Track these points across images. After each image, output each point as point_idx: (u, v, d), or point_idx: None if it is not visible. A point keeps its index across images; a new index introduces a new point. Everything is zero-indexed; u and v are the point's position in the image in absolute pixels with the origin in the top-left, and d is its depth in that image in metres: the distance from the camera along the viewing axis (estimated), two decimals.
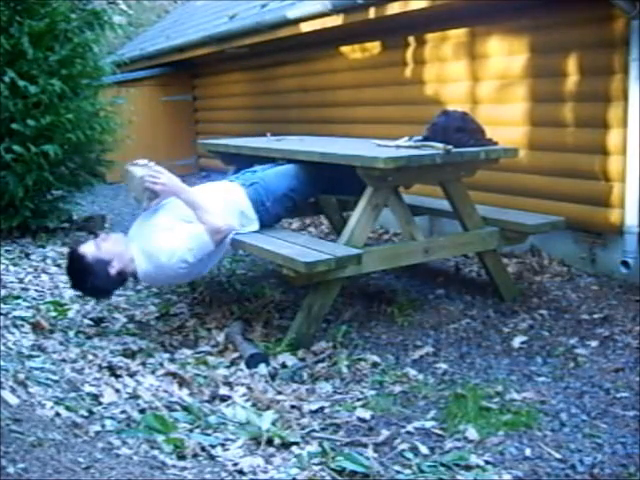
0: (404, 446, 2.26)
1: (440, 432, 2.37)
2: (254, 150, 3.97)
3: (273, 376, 2.83)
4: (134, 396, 2.43)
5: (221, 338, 3.20)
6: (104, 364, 2.70)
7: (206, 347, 3.15)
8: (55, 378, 2.44)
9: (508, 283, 3.74)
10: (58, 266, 4.36)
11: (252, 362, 2.89)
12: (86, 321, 3.36)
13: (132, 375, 2.65)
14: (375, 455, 2.20)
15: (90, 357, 2.78)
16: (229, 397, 2.57)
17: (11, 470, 1.63)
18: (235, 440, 2.21)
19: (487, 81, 4.70)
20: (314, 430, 2.36)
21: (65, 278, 4.10)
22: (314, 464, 2.09)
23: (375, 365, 2.95)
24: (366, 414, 2.49)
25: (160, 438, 2.11)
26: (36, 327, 3.09)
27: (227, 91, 8.40)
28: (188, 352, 3.07)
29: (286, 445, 2.21)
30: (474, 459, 2.15)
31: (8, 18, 4.88)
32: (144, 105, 8.52)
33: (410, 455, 2.21)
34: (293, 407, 2.53)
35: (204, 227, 3.14)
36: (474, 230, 3.56)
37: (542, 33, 4.29)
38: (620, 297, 3.64)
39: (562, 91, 4.16)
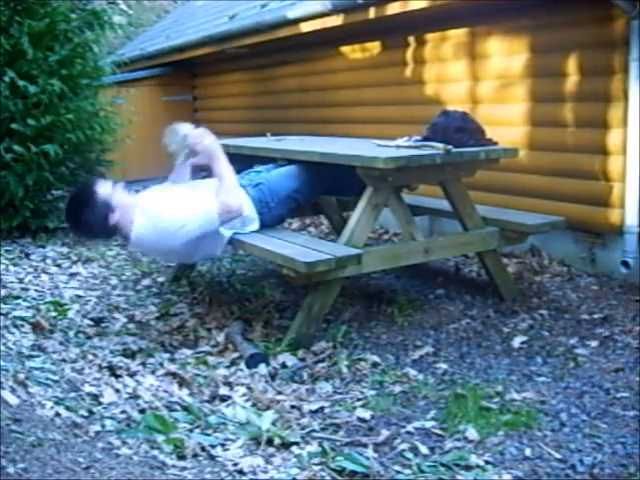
0: (404, 446, 2.25)
1: (440, 432, 2.37)
2: (254, 150, 3.97)
3: (273, 376, 2.83)
4: (134, 396, 2.43)
5: (221, 338, 3.20)
6: (104, 364, 2.71)
7: (206, 347, 3.15)
8: (55, 378, 2.45)
9: (508, 283, 3.74)
10: (58, 266, 4.37)
11: (252, 362, 2.88)
12: (86, 321, 3.36)
13: (132, 375, 2.65)
14: (375, 455, 2.20)
15: (90, 357, 2.78)
16: (229, 397, 2.57)
17: (11, 470, 1.63)
18: (235, 440, 2.21)
19: (487, 81, 4.70)
20: (314, 430, 2.36)
21: (65, 278, 4.12)
22: (314, 464, 2.09)
23: (375, 365, 2.94)
24: (366, 414, 2.49)
25: (160, 438, 2.11)
26: (36, 327, 3.09)
27: (227, 91, 8.40)
28: (188, 352, 3.07)
29: (286, 445, 2.21)
30: (474, 459, 2.15)
31: (8, 18, 4.89)
32: (144, 105, 8.50)
33: (410, 455, 2.20)
34: (293, 407, 2.53)
35: (218, 201, 3.15)
36: (474, 230, 3.56)
37: (542, 33, 4.29)
38: (620, 297, 3.64)
39: (562, 91, 4.16)
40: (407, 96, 5.35)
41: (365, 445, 2.27)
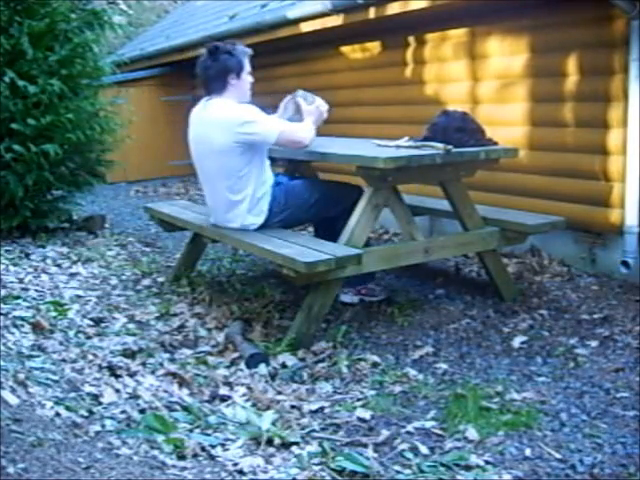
0: (404, 446, 2.26)
1: (440, 432, 2.37)
2: None
3: (273, 376, 2.83)
4: (134, 396, 2.43)
5: (221, 338, 3.20)
6: (104, 364, 2.70)
7: (206, 347, 3.15)
8: (55, 378, 2.44)
9: (508, 283, 3.74)
10: (58, 266, 4.36)
11: (252, 362, 2.89)
12: (86, 321, 3.35)
13: (132, 375, 2.65)
14: (375, 455, 2.20)
15: (90, 357, 2.78)
16: (229, 397, 2.57)
17: (11, 470, 1.63)
18: (235, 440, 2.21)
19: (487, 81, 4.70)
20: (314, 430, 2.36)
21: (65, 278, 4.12)
22: (314, 464, 2.09)
23: (375, 365, 2.95)
24: (366, 414, 2.49)
25: (160, 438, 2.11)
26: (36, 327, 3.08)
27: None
28: (188, 352, 3.07)
29: (286, 445, 2.21)
30: (474, 459, 2.15)
31: (8, 18, 4.88)
32: (144, 105, 8.50)
33: (410, 455, 2.21)
34: (293, 407, 2.53)
35: (289, 126, 3.43)
36: (474, 230, 3.56)
37: (542, 33, 4.29)
38: (620, 297, 3.64)
39: (562, 91, 4.16)
40: (407, 96, 5.35)
41: (365, 445, 2.27)
